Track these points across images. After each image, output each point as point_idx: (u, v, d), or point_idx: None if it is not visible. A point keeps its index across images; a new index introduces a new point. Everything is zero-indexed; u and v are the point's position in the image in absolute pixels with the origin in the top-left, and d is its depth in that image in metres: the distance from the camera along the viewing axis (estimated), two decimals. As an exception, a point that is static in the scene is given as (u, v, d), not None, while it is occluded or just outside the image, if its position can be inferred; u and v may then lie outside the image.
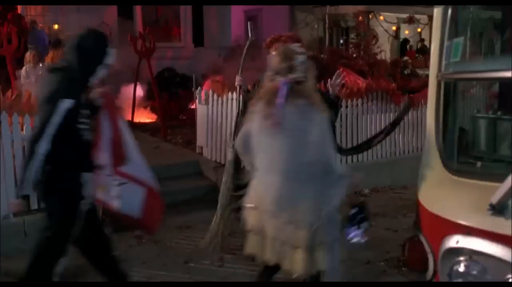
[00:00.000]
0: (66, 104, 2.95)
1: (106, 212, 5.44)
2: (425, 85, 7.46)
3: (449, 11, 2.31)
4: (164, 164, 6.66)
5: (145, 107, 9.90)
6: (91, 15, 12.00)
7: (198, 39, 13.65)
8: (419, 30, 15.93)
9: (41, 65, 7.79)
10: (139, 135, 8.40)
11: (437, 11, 2.37)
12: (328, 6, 12.41)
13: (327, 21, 12.48)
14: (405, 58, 14.09)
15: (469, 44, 2.28)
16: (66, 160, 3.10)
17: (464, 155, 2.28)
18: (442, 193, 2.15)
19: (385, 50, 14.43)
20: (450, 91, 2.36)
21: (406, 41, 16.32)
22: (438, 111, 2.36)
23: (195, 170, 6.73)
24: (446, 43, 2.32)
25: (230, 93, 6.45)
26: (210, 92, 6.78)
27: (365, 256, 4.44)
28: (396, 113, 7.05)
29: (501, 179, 1.91)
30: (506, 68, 2.01)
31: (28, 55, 7.82)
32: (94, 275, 3.82)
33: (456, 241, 1.98)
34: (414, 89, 7.27)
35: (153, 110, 9.90)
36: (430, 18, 15.53)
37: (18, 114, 4.69)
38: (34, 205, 4.95)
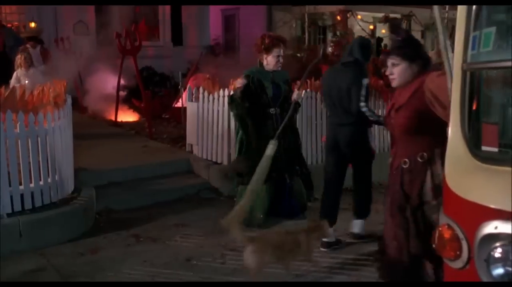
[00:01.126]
0: (366, 81, 4.54)
1: (100, 212, 5.41)
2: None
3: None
4: (155, 162, 6.61)
5: (129, 106, 9.79)
6: (69, 13, 11.82)
7: (177, 38, 13.57)
8: (394, 29, 16.18)
9: (32, 69, 7.48)
10: (126, 134, 8.33)
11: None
12: (307, 5, 12.47)
13: (306, 20, 12.54)
14: (381, 57, 14.27)
15: (495, 35, 2.31)
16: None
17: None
18: (475, 181, 2.18)
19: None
20: (476, 81, 2.39)
21: (380, 40, 16.52)
22: (464, 101, 2.39)
23: (186, 168, 6.69)
24: (472, 34, 2.35)
25: (221, 90, 6.42)
26: (201, 89, 6.74)
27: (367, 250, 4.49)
28: (384, 110, 7.14)
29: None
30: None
31: (18, 59, 7.45)
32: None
33: (494, 227, 2.01)
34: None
35: (136, 109, 9.79)
36: (406, 17, 15.84)
37: (11, 111, 4.57)
38: (47, 201, 4.86)
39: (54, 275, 4.18)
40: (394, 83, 3.40)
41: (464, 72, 2.41)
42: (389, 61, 3.37)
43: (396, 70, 3.31)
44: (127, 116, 9.84)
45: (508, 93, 2.49)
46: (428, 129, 3.16)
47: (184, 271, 4.21)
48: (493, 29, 2.24)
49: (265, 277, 3.92)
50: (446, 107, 2.73)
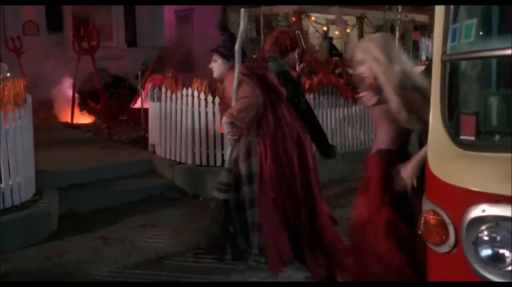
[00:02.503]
0: None
1: (63, 214, 5.25)
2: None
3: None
4: (117, 163, 6.49)
5: (84, 108, 9.56)
6: (17, 13, 11.44)
7: (131, 39, 13.36)
8: (348, 30, 16.47)
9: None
10: (84, 136, 8.12)
11: (440, -6, 2.48)
12: (262, 6, 12.54)
13: (261, 21, 12.61)
14: (334, 58, 14.54)
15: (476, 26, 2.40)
16: None
17: (471, 130, 2.41)
18: (459, 167, 2.25)
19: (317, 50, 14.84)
20: (454, 72, 2.48)
21: (330, 39, 16.80)
22: (444, 91, 2.47)
23: (149, 168, 6.60)
24: (451, 26, 2.43)
25: (185, 89, 6.37)
26: (163, 89, 6.65)
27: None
28: (345, 109, 7.29)
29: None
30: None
31: None
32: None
33: (482, 210, 2.07)
34: (360, 85, 7.51)
35: (91, 111, 9.57)
36: (358, 19, 16.17)
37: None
38: (8, 203, 4.70)
39: (20, 280, 4.03)
40: (214, 75, 4.23)
41: (443, 64, 2.48)
42: (212, 57, 4.15)
43: (215, 65, 4.14)
44: (83, 118, 9.60)
45: (484, 83, 2.60)
46: None
47: (156, 271, 4.14)
48: (474, 21, 2.33)
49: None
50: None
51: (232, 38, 4.07)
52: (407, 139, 3.17)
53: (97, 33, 7.94)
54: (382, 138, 3.21)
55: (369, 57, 3.08)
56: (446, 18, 2.46)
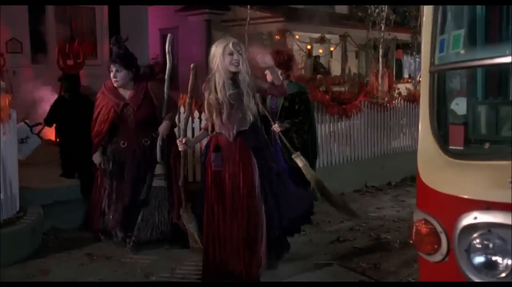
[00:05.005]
0: None
1: (48, 231, 5.16)
2: (355, 98, 7.83)
3: (440, 7, 2.47)
4: (102, 179, 6.38)
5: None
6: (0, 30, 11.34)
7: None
8: (331, 49, 16.67)
9: None
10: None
11: (427, 8, 2.52)
12: (247, 24, 12.63)
13: (246, 39, 12.66)
14: (318, 76, 14.68)
15: (463, 37, 2.44)
16: None
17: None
18: (449, 175, 2.26)
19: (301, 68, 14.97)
20: (442, 82, 2.51)
21: (316, 58, 16.99)
22: (432, 101, 2.50)
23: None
24: (438, 37, 2.47)
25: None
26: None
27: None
28: (331, 124, 7.33)
29: (503, 157, 2.09)
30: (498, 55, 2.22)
31: None
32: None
33: (474, 217, 2.09)
34: (345, 101, 7.58)
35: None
36: (341, 37, 16.38)
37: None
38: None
39: (3, 298, 3.94)
40: (116, 84, 4.82)
41: (431, 74, 2.52)
42: (113, 68, 4.74)
43: (119, 75, 4.76)
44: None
45: (472, 93, 2.64)
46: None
47: (143, 287, 4.08)
48: (462, 31, 2.37)
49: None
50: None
51: (128, 51, 4.89)
52: None
53: (82, 50, 7.91)
54: None
55: None
56: (434, 29, 2.50)
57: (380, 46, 11.71)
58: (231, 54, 3.71)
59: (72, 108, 5.93)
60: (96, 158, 5.04)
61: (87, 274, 4.32)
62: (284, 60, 5.11)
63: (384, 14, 11.29)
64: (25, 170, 5.99)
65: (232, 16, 14.77)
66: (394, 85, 12.70)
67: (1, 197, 4.72)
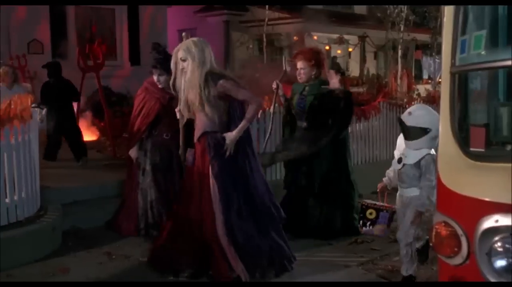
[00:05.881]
0: None
1: (67, 230, 5.22)
2: (373, 99, 7.80)
3: (462, 8, 2.44)
4: (120, 180, 6.42)
5: (90, 124, 9.57)
6: (23, 32, 11.52)
7: (134, 58, 13.42)
8: (350, 50, 16.62)
9: (16, 85, 6.94)
10: (88, 153, 8.10)
11: (448, 9, 2.50)
12: (265, 25, 12.66)
13: (264, 40, 12.71)
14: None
15: (485, 37, 2.41)
16: None
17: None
18: (470, 178, 2.24)
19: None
20: (463, 83, 2.49)
21: (334, 59, 16.95)
22: (453, 102, 2.47)
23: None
24: (459, 38, 2.45)
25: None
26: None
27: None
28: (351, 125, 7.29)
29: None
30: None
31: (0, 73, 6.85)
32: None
33: (495, 220, 2.07)
34: (364, 102, 7.55)
35: (97, 127, 9.59)
36: (360, 38, 16.31)
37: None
38: (13, 219, 4.69)
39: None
40: (161, 86, 5.08)
41: (452, 75, 2.49)
42: (155, 73, 5.08)
43: (162, 79, 5.03)
44: (87, 135, 9.59)
45: (494, 94, 2.60)
46: None
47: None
48: (483, 32, 2.34)
49: None
50: None
51: (168, 54, 4.81)
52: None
53: (103, 50, 7.99)
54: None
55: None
56: (455, 30, 2.48)
57: (399, 47, 11.67)
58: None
59: (56, 90, 7.14)
60: (134, 152, 5.25)
61: (106, 273, 4.36)
62: (316, 59, 5.09)
63: (403, 14, 11.23)
64: (46, 169, 6.09)
65: (250, 17, 14.81)
66: (413, 86, 12.64)
67: (23, 196, 4.80)
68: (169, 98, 5.03)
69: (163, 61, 5.00)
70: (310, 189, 5.17)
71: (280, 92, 5.24)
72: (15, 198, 4.71)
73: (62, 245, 5.00)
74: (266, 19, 12.46)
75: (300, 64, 5.11)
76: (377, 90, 9.64)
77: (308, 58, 5.07)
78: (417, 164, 3.82)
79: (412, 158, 3.84)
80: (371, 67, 17.53)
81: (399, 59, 11.62)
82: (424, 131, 3.74)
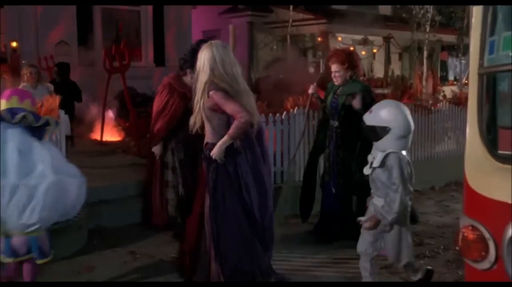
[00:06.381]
0: None
1: (92, 229, 5.29)
2: (398, 100, 7.70)
3: (490, 8, 2.40)
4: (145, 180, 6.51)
5: (115, 125, 9.69)
6: (50, 32, 11.72)
7: (159, 59, 13.54)
8: (374, 51, 16.50)
9: (40, 86, 7.01)
10: (113, 153, 8.21)
11: (476, 9, 2.46)
12: (289, 26, 12.64)
13: (288, 41, 12.70)
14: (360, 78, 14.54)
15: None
16: None
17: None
18: (498, 181, 2.20)
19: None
20: (491, 84, 2.45)
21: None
22: (481, 104, 2.44)
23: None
24: (488, 38, 2.41)
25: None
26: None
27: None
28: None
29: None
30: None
31: (24, 73, 6.91)
32: None
33: (524, 224, 2.03)
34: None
35: (122, 128, 9.69)
36: (385, 39, 16.16)
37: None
38: None
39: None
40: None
41: (480, 76, 2.46)
42: (191, 73, 4.83)
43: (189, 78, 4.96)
44: (112, 135, 9.72)
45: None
46: None
47: None
48: (512, 33, 2.30)
49: None
50: None
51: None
52: None
53: (128, 51, 8.08)
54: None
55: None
56: (483, 30, 2.44)
57: (425, 48, 11.54)
58: None
59: (61, 89, 7.00)
60: (158, 149, 5.30)
61: (130, 272, 4.41)
62: (349, 61, 5.04)
63: (429, 15, 11.09)
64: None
65: (275, 18, 14.81)
66: (439, 87, 12.48)
67: None
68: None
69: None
70: (346, 189, 5.14)
71: (315, 94, 5.28)
72: None
73: (88, 243, 5.07)
74: (290, 20, 12.44)
75: (334, 67, 5.06)
76: (402, 92, 9.52)
77: (341, 61, 5.00)
78: (386, 167, 3.49)
79: (378, 160, 3.52)
80: (396, 68, 17.36)
81: (425, 60, 11.48)
82: (384, 130, 3.45)
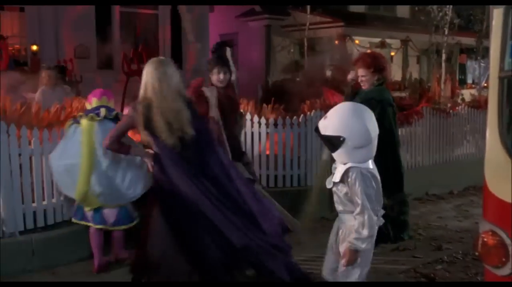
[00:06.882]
0: None
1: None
2: (416, 103, 7.65)
3: (511, 10, 2.38)
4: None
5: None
6: (70, 36, 11.86)
7: (177, 62, 13.60)
8: (392, 54, 16.41)
9: (58, 88, 7.07)
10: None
11: (497, 11, 2.44)
12: (307, 29, 12.63)
13: (305, 44, 12.67)
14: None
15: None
16: None
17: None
18: (520, 186, 2.18)
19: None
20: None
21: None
22: (501, 108, 2.41)
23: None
24: (509, 41, 2.38)
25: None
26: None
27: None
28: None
29: None
30: None
31: (43, 76, 6.98)
32: None
33: (545, 230, 2.00)
34: (406, 107, 7.43)
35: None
36: (403, 42, 16.05)
37: (26, 127, 4.53)
38: (59, 218, 4.80)
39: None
40: (221, 85, 4.72)
41: (501, 80, 2.43)
42: (221, 71, 4.71)
43: (226, 77, 4.72)
44: (132, 136, 9.78)
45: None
46: None
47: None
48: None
49: None
50: None
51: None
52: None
53: (146, 54, 8.15)
54: None
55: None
56: (504, 33, 2.42)
57: (443, 51, 11.42)
58: None
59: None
60: None
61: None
62: (376, 64, 4.99)
63: (448, 17, 10.98)
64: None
65: (292, 21, 14.81)
66: (458, 91, 12.33)
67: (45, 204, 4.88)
68: (228, 97, 5.06)
69: (227, 61, 4.99)
70: None
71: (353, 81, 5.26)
72: (62, 198, 4.80)
73: (105, 244, 5.09)
74: (308, 24, 12.42)
75: (360, 72, 5.01)
76: (420, 95, 9.44)
77: (367, 65, 4.95)
78: (347, 184, 2.96)
79: (337, 175, 3.02)
80: (414, 71, 17.25)
81: (443, 64, 11.37)
82: (338, 140, 2.90)
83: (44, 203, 4.71)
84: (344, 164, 2.95)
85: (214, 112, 4.54)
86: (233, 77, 5.53)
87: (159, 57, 4.02)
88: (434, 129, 7.78)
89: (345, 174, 2.94)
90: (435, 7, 11.30)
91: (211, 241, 3.61)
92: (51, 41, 11.59)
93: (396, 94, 11.75)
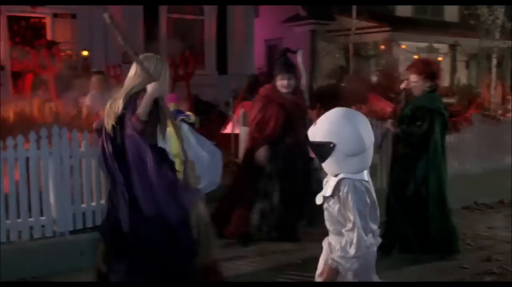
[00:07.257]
0: None
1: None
2: (465, 110, 7.51)
3: None
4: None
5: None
6: (118, 42, 12.15)
7: (222, 67, 13.76)
8: (440, 59, 16.07)
9: (107, 92, 7.26)
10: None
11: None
12: (352, 35, 12.53)
13: (351, 49, 12.58)
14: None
15: None
16: None
17: None
18: None
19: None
20: None
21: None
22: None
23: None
24: None
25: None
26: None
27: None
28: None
29: None
30: None
31: (93, 81, 7.13)
32: None
33: None
34: (454, 113, 7.27)
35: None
36: (451, 47, 15.71)
37: (77, 131, 4.67)
38: (89, 223, 4.90)
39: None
40: (287, 90, 5.13)
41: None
42: (287, 77, 5.05)
43: (292, 83, 5.10)
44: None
45: None
46: None
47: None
48: None
49: None
50: None
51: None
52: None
53: (193, 60, 8.28)
54: None
55: None
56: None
57: (494, 56, 11.13)
58: None
59: None
60: (262, 155, 5.15)
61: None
62: (427, 71, 4.89)
63: (499, 21, 10.69)
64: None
65: (337, 26, 14.74)
66: (509, 97, 11.97)
67: (101, 202, 4.90)
68: (295, 104, 5.08)
69: (293, 66, 5.09)
70: (416, 198, 4.96)
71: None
72: (93, 203, 4.87)
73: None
74: (353, 28, 12.33)
75: (412, 78, 4.92)
76: (469, 101, 9.23)
77: (418, 71, 4.86)
78: (339, 198, 2.59)
79: (328, 188, 2.65)
80: (462, 76, 16.84)
81: (493, 69, 11.08)
82: (328, 147, 2.56)
83: (93, 204, 4.83)
84: (336, 175, 2.61)
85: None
86: (303, 82, 5.56)
87: None
88: (483, 137, 7.57)
89: (337, 187, 2.59)
90: (485, 10, 11.02)
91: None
92: (100, 46, 11.91)
93: (444, 100, 11.51)
